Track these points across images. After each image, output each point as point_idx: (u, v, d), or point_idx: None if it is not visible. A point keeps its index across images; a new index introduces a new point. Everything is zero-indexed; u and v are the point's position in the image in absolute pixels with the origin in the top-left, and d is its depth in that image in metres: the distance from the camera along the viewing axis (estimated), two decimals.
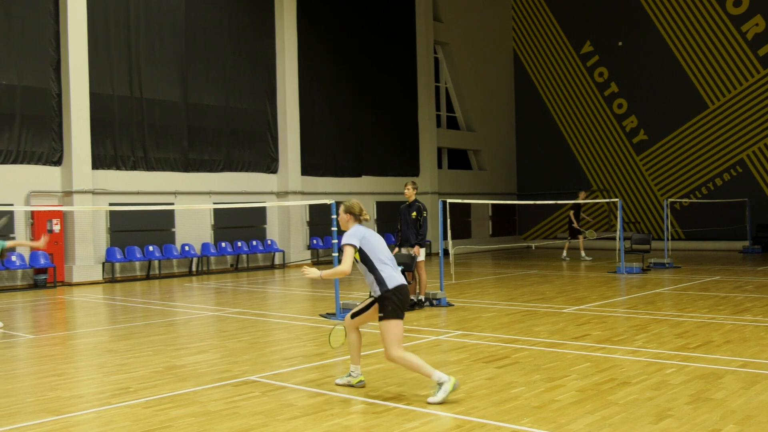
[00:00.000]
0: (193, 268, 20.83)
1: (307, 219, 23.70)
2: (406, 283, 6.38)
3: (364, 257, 6.29)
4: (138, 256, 19.40)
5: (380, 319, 6.21)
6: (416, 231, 11.76)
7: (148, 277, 19.65)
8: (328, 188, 24.31)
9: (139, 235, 19.71)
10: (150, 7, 20.30)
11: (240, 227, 21.96)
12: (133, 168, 19.86)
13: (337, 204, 9.22)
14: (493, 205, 30.92)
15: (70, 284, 18.12)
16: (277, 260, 22.76)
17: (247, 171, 22.50)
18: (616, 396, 6.08)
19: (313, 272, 6.28)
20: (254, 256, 22.44)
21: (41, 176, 18.26)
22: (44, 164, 18.34)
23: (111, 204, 18.99)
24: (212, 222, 21.55)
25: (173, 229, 20.61)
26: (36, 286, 17.66)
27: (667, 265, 18.39)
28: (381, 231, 24.87)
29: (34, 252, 17.65)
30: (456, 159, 31.39)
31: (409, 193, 12.00)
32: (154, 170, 20.27)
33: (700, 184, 27.63)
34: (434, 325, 10.26)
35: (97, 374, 7.67)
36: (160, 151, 20.41)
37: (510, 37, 33.13)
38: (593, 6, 30.24)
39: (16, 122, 17.89)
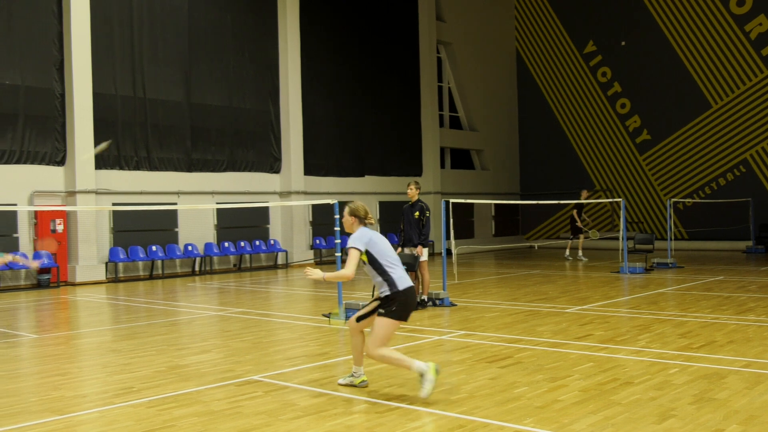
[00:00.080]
0: (196, 268, 20.85)
1: (310, 219, 23.71)
2: (413, 285, 6.39)
3: (372, 260, 6.27)
4: (141, 256, 19.43)
5: (380, 314, 6.21)
6: (419, 231, 11.76)
7: (151, 277, 19.68)
8: (330, 188, 24.32)
9: (142, 235, 19.73)
10: (153, 7, 20.33)
11: (243, 227, 21.97)
12: (136, 168, 19.88)
13: (341, 204, 9.22)
14: (496, 205, 30.92)
15: (74, 284, 18.15)
16: (280, 260, 22.77)
17: (250, 171, 22.52)
18: (619, 396, 6.08)
19: (317, 273, 6.26)
20: (257, 256, 22.46)
21: (44, 176, 18.30)
22: (47, 164, 18.37)
23: (114, 204, 19.01)
24: (215, 222, 21.57)
25: (176, 229, 20.63)
26: (39, 285, 17.68)
27: (670, 265, 18.37)
28: (384, 231, 24.88)
29: (36, 252, 17.67)
30: (459, 159, 31.37)
31: (412, 193, 12.00)
32: (157, 170, 20.29)
33: (704, 184, 27.59)
34: (437, 325, 10.26)
35: (101, 374, 7.68)
36: (163, 151, 20.43)
37: (513, 36, 33.10)
38: (596, 5, 30.20)
39: (20, 122, 17.92)
